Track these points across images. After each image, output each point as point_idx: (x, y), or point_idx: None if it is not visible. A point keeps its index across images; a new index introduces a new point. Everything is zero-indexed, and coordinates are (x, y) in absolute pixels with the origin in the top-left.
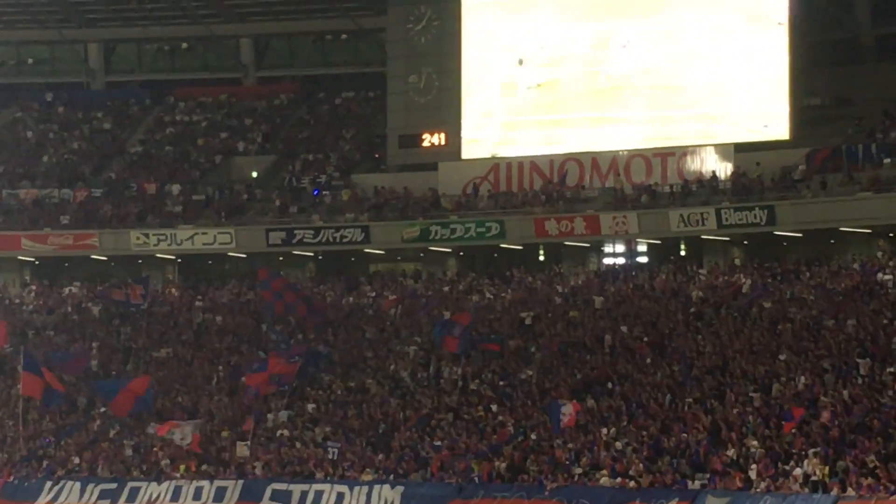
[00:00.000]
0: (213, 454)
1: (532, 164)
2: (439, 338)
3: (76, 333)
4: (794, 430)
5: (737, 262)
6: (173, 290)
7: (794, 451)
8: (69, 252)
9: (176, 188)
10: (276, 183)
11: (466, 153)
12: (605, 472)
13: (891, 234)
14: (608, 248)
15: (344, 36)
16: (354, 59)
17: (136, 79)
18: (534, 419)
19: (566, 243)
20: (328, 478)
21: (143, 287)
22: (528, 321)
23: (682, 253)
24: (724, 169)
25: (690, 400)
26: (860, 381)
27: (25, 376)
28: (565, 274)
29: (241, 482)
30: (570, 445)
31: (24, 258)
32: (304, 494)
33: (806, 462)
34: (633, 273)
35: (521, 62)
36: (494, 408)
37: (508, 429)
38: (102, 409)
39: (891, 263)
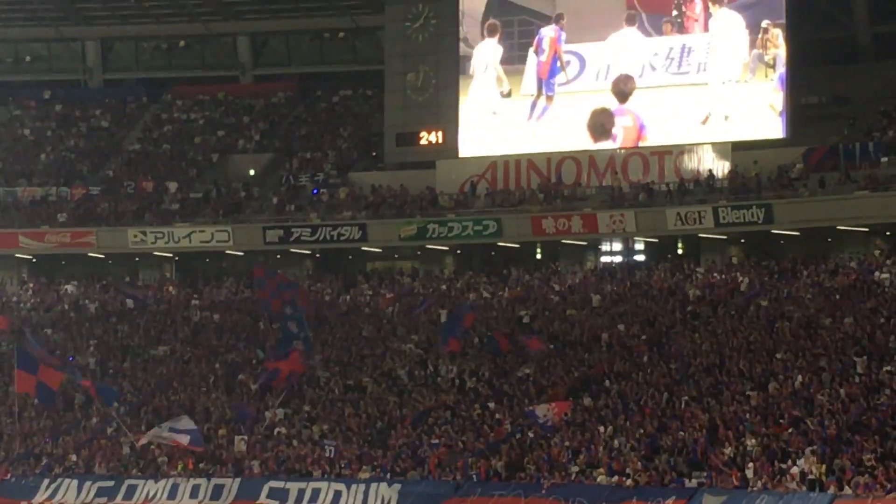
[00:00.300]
0: (210, 452)
1: (529, 163)
2: (447, 338)
3: (73, 331)
4: (790, 430)
5: (734, 260)
6: (170, 287)
7: (790, 449)
8: (67, 250)
9: (173, 186)
10: (273, 181)
11: (464, 151)
12: (602, 470)
13: (888, 233)
14: (605, 247)
15: (341, 34)
16: (352, 57)
17: (134, 77)
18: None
19: (563, 241)
20: (325, 476)
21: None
22: (525, 319)
23: (680, 251)
24: (721, 167)
25: (687, 398)
26: (857, 379)
27: (19, 374)
28: (562, 272)
29: (238, 480)
30: (567, 443)
31: (21, 256)
32: (301, 492)
33: (803, 460)
34: (631, 271)
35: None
36: (492, 406)
37: (506, 427)
38: (99, 407)
39: (888, 262)
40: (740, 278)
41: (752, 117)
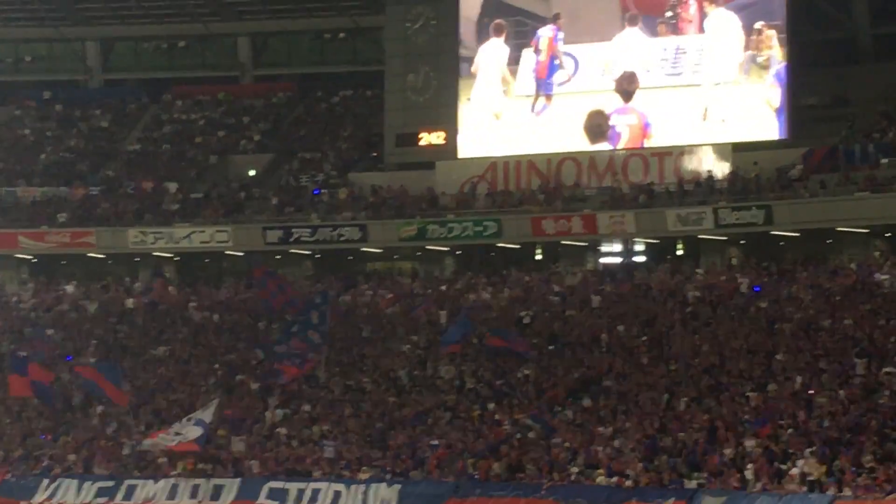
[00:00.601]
0: (209, 452)
1: (529, 164)
2: (448, 343)
3: (73, 331)
4: (790, 430)
5: (734, 261)
6: (170, 288)
7: (790, 450)
8: (67, 250)
9: (173, 186)
10: (273, 181)
11: (464, 152)
12: (601, 471)
13: (888, 234)
14: (605, 248)
15: (342, 35)
16: (352, 57)
17: (134, 77)
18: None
19: (563, 242)
20: (325, 476)
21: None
22: (526, 320)
23: (680, 252)
24: (721, 168)
25: (687, 399)
26: (857, 380)
27: (12, 379)
28: (562, 273)
29: (238, 480)
30: (566, 444)
31: (21, 256)
32: (300, 493)
33: (802, 462)
34: (631, 272)
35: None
36: (491, 406)
37: (505, 427)
38: (100, 408)
39: (888, 263)
40: (740, 279)
41: (747, 118)
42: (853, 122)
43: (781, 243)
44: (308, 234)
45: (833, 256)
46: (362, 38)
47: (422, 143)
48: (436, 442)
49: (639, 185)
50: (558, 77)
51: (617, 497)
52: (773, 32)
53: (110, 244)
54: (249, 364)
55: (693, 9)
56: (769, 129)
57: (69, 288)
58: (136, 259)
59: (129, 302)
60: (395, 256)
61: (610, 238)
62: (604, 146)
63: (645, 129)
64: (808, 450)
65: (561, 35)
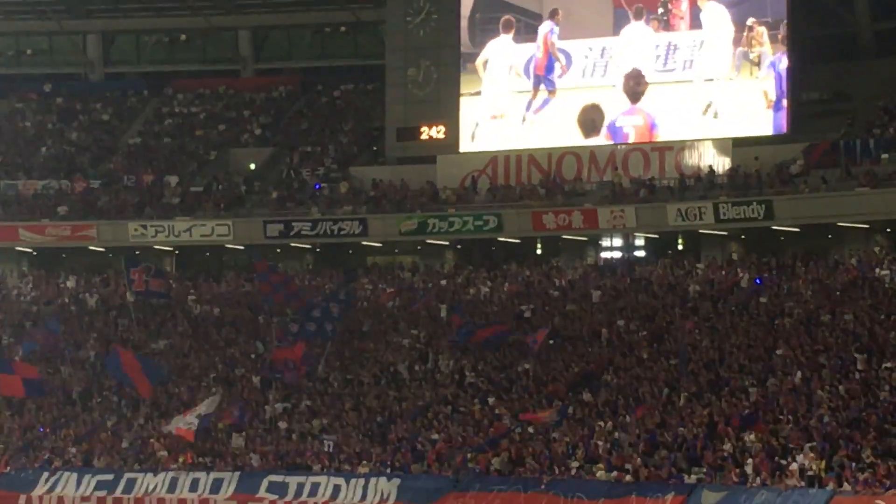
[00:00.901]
0: (209, 446)
1: (530, 158)
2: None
3: (73, 324)
4: (790, 426)
5: (734, 256)
6: (171, 281)
7: (790, 445)
8: (67, 243)
9: (174, 180)
10: (274, 175)
11: (465, 146)
12: (601, 465)
13: (888, 230)
14: (606, 242)
15: (343, 28)
16: (353, 51)
17: (135, 70)
18: (530, 412)
19: (564, 237)
20: (325, 470)
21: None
22: (527, 314)
23: (680, 247)
24: (721, 163)
25: (687, 394)
26: (857, 376)
27: (2, 379)
28: (563, 267)
29: (237, 474)
30: (566, 439)
31: (21, 249)
32: (300, 487)
33: (802, 457)
34: (631, 267)
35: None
36: (491, 401)
37: (505, 422)
38: (99, 400)
39: (888, 259)
40: (741, 274)
41: (741, 114)
42: (854, 117)
43: (782, 238)
44: (308, 227)
45: (833, 252)
46: (363, 32)
47: (422, 137)
48: (436, 436)
49: (639, 179)
50: (556, 73)
51: (617, 491)
52: (763, 29)
53: (111, 237)
54: (249, 358)
55: (685, 5)
56: (764, 124)
57: (69, 283)
58: (136, 252)
59: (130, 295)
60: (395, 250)
61: (610, 233)
62: (602, 141)
63: (651, 129)
64: (808, 445)
65: (557, 30)
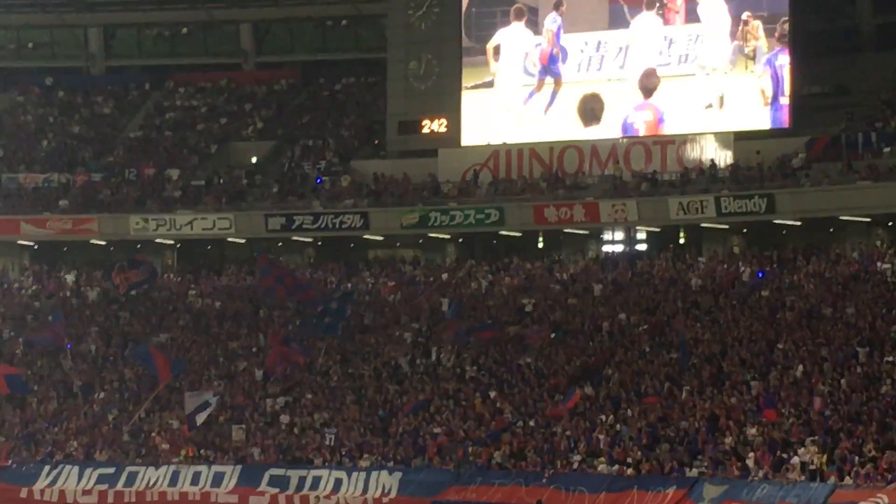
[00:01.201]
0: (210, 439)
1: (532, 151)
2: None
3: (74, 318)
4: (791, 420)
5: (736, 250)
6: (172, 275)
7: (791, 439)
8: (68, 237)
9: (175, 173)
10: (275, 169)
11: (466, 140)
12: (602, 459)
13: (890, 224)
14: (607, 236)
15: (344, 22)
16: (354, 44)
17: (136, 64)
18: (532, 406)
19: (565, 230)
20: (326, 464)
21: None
22: (528, 308)
23: (682, 241)
24: (723, 157)
25: (689, 388)
26: (858, 369)
27: None
28: (564, 261)
29: (239, 467)
30: (567, 433)
31: (23, 242)
32: (302, 480)
33: (803, 450)
34: (633, 261)
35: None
36: (493, 394)
37: (507, 416)
38: (101, 394)
39: (889, 252)
40: (742, 268)
41: (738, 108)
42: (855, 111)
43: (783, 232)
44: (310, 221)
45: (835, 245)
46: (365, 26)
47: (424, 130)
48: (437, 430)
49: (641, 173)
50: (559, 65)
51: (618, 485)
52: (758, 23)
53: (112, 231)
54: (251, 351)
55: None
56: (761, 119)
57: (69, 278)
58: (137, 246)
59: (123, 297)
60: (396, 244)
61: (612, 226)
62: (603, 133)
63: (659, 124)
64: (810, 439)
65: (559, 22)
